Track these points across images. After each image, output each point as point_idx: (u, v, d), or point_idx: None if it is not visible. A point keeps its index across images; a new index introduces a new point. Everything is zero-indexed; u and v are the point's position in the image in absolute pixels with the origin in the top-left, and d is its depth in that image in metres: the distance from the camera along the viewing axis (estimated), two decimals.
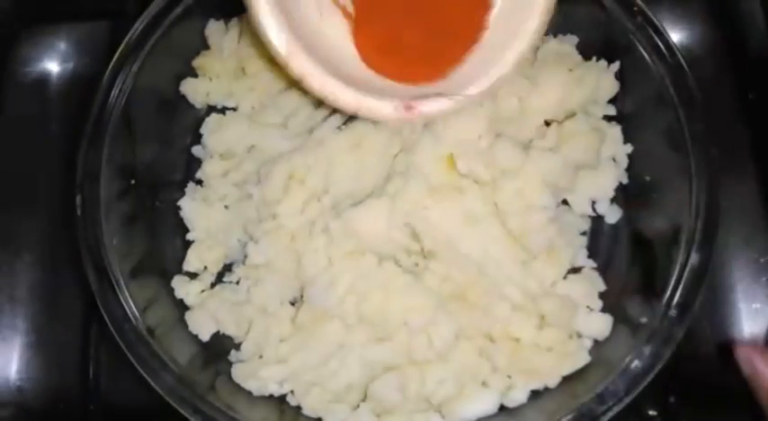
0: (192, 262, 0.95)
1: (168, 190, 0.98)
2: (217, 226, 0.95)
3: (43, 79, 1.12)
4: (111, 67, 0.92)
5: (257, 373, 0.87)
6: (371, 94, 0.84)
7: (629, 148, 0.95)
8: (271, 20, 0.81)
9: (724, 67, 1.04)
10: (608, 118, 0.96)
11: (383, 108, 0.85)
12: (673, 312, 0.82)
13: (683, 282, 0.82)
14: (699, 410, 0.94)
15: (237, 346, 0.91)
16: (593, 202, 0.94)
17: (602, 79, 0.95)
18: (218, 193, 0.96)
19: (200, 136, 1.00)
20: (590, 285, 0.89)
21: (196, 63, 1.01)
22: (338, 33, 0.87)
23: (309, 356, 0.87)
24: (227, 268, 0.95)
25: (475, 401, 0.84)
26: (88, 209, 0.88)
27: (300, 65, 0.83)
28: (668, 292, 0.83)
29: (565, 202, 0.93)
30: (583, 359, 0.86)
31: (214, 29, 1.01)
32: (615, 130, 0.94)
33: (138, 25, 0.93)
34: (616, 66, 0.95)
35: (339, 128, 0.94)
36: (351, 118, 0.94)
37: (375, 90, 0.85)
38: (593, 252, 0.93)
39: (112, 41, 0.97)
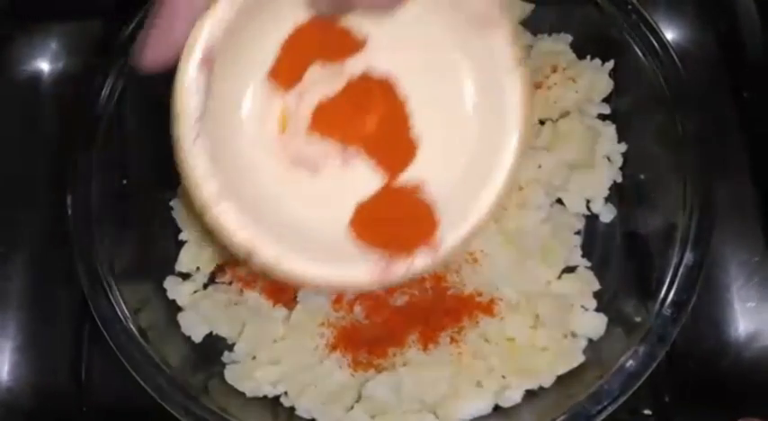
0: (184, 262, 0.94)
1: (161, 190, 0.97)
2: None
3: (35, 78, 1.11)
4: (103, 65, 0.92)
5: (251, 374, 0.87)
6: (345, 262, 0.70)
7: (623, 147, 0.94)
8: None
9: (719, 66, 1.04)
10: (602, 117, 0.96)
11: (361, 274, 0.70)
12: (667, 311, 0.82)
13: (677, 282, 0.82)
14: (694, 410, 0.94)
15: (231, 347, 0.90)
16: (588, 201, 0.93)
17: (596, 78, 0.95)
18: None
19: None
20: (584, 284, 0.89)
21: None
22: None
23: (303, 357, 0.86)
24: (220, 269, 0.94)
25: (469, 401, 0.84)
26: (79, 209, 0.87)
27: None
28: (663, 292, 0.82)
29: (559, 201, 0.93)
30: (577, 358, 0.85)
31: None
32: (609, 129, 0.94)
33: (132, 24, 0.93)
34: (610, 64, 0.95)
35: None
36: None
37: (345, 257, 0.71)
38: (587, 251, 0.92)
39: (105, 40, 0.96)
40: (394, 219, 0.72)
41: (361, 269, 0.69)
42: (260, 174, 0.70)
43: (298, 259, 0.68)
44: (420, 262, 0.70)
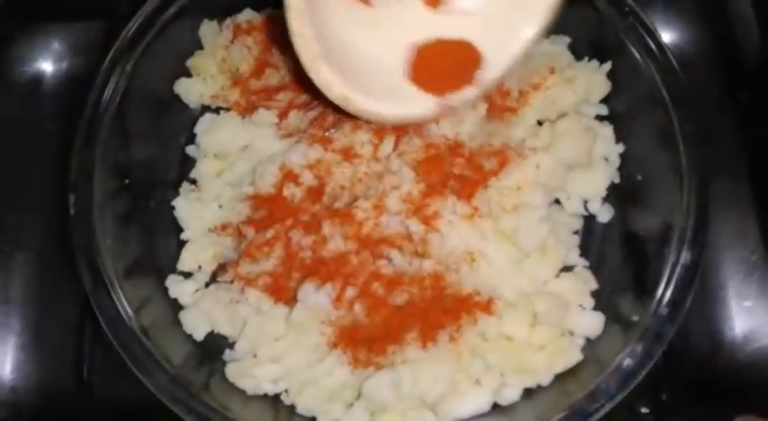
0: (186, 261, 0.95)
1: (162, 189, 0.98)
2: (211, 225, 0.95)
3: (37, 79, 1.12)
4: (104, 66, 0.92)
5: (251, 372, 0.87)
6: (407, 100, 0.86)
7: (620, 148, 0.95)
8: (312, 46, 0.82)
9: (715, 68, 1.05)
10: (600, 117, 0.96)
11: (420, 109, 0.87)
12: (664, 310, 0.82)
13: (674, 280, 0.83)
14: (691, 407, 0.94)
15: (232, 346, 0.91)
16: (586, 201, 0.94)
17: (594, 79, 0.95)
18: (213, 193, 0.96)
19: (194, 135, 1.00)
20: (582, 284, 0.90)
21: (190, 63, 1.01)
22: (369, 45, 0.87)
23: (303, 355, 0.87)
24: (222, 267, 0.95)
25: (468, 399, 0.84)
26: (82, 208, 0.88)
27: (340, 89, 0.85)
28: (660, 290, 0.83)
29: (557, 202, 0.93)
30: (575, 357, 0.86)
31: (208, 29, 1.01)
32: (607, 130, 0.95)
33: (132, 25, 0.93)
34: (608, 66, 0.95)
35: (328, 131, 0.94)
36: (342, 118, 0.95)
37: (406, 96, 0.87)
38: (585, 251, 0.93)
39: (106, 41, 0.97)
40: (443, 66, 0.85)
41: (418, 105, 0.86)
42: (338, 23, 0.84)
43: (367, 100, 0.85)
44: (467, 94, 0.85)
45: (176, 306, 0.93)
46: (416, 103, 0.86)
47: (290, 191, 0.91)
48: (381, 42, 0.85)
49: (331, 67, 0.83)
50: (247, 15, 1.02)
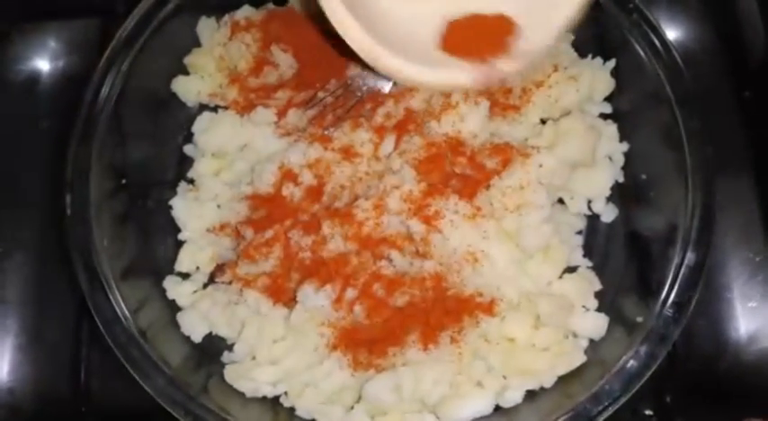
0: (183, 262, 0.94)
1: (160, 189, 0.97)
2: (209, 225, 0.94)
3: (34, 78, 1.11)
4: (101, 65, 0.92)
5: (250, 374, 0.87)
6: (449, 68, 0.85)
7: (624, 147, 0.94)
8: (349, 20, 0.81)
9: (720, 65, 1.04)
10: (604, 116, 0.96)
11: (463, 77, 0.85)
12: (669, 311, 0.81)
13: (678, 281, 0.82)
14: (695, 409, 0.94)
15: (230, 347, 0.90)
16: (589, 201, 0.93)
17: (597, 77, 0.94)
18: (211, 193, 0.95)
19: (191, 134, 0.99)
20: (586, 284, 0.89)
21: (187, 61, 1.00)
22: (406, 14, 0.86)
23: (303, 357, 0.86)
24: (220, 268, 0.94)
25: (470, 402, 0.84)
26: (78, 208, 0.87)
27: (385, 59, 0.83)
28: (664, 291, 0.82)
29: (560, 201, 0.93)
30: (578, 359, 0.85)
31: (206, 26, 1.00)
32: (611, 129, 0.94)
33: (129, 23, 0.93)
34: (612, 63, 0.95)
35: (328, 129, 0.93)
36: (343, 117, 0.94)
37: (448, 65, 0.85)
38: (588, 251, 0.92)
39: (103, 39, 0.96)
40: (478, 38, 0.84)
41: (460, 73, 0.84)
42: None
43: (406, 64, 0.84)
44: (511, 65, 0.83)
45: (174, 307, 0.93)
46: (458, 71, 0.85)
47: (290, 190, 0.91)
48: (418, 11, 0.84)
49: (361, 25, 0.82)
50: (246, 12, 1.01)
